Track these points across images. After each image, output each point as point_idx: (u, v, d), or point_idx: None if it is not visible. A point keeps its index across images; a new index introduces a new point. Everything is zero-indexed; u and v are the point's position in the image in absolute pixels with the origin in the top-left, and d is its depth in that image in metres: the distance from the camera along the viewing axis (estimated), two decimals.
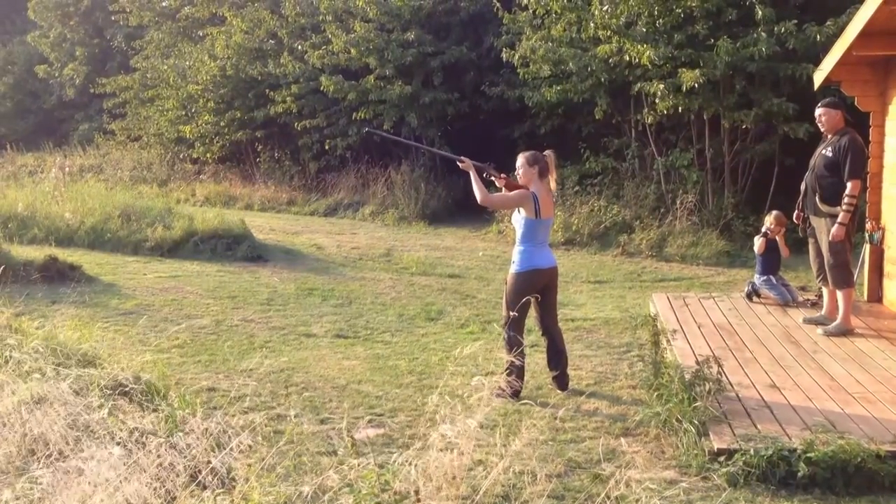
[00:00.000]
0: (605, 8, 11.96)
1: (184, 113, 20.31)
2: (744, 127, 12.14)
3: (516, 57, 13.67)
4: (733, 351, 6.19)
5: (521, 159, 5.69)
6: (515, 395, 5.48)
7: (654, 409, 5.00)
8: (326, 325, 7.74)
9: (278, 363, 6.27)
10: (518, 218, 5.68)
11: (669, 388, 5.10)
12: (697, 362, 5.20)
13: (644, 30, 11.89)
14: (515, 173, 5.73)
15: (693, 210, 12.26)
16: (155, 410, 4.05)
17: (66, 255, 9.89)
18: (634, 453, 4.61)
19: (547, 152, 5.79)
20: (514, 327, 5.57)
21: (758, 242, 8.13)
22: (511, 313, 5.51)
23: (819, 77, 7.71)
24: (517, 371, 5.51)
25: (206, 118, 19.66)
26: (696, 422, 4.63)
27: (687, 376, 5.07)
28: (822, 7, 11.53)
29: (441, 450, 3.47)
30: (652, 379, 5.59)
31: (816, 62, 8.54)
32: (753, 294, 8.01)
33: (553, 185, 5.80)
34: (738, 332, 6.78)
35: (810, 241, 7.06)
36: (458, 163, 5.88)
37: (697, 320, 7.14)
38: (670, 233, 12.05)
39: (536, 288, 5.62)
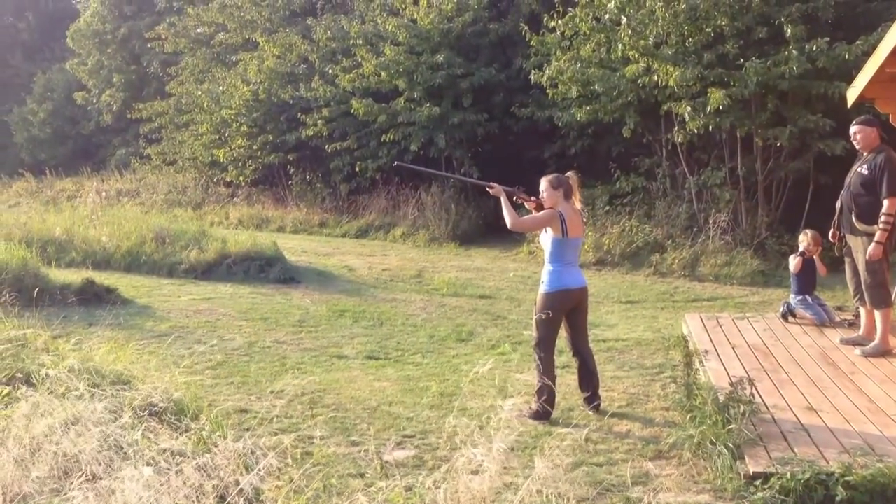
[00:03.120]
0: (632, 29, 11.96)
1: (217, 137, 20.62)
2: (777, 145, 12.03)
3: (545, 78, 13.70)
4: (768, 372, 6.09)
5: (544, 182, 5.70)
6: (545, 416, 5.45)
7: (687, 432, 4.93)
8: (358, 346, 7.75)
9: (310, 384, 6.29)
10: (546, 238, 5.68)
11: (703, 409, 5.03)
12: (731, 384, 5.13)
13: (673, 50, 11.86)
14: (540, 197, 5.74)
15: (726, 229, 12.15)
16: (187, 431, 4.08)
17: (103, 279, 10.02)
18: (667, 476, 4.54)
19: (569, 173, 5.81)
20: (544, 348, 5.55)
21: (793, 262, 8.03)
22: (540, 334, 5.50)
23: (852, 95, 7.62)
24: (548, 394, 5.48)
25: (239, 142, 19.95)
26: (730, 444, 4.55)
27: (721, 398, 5.00)
28: (854, 24, 11.45)
29: (468, 472, 3.44)
30: (685, 401, 5.52)
31: (849, 80, 8.45)
32: (789, 314, 7.90)
33: (578, 204, 5.80)
34: (773, 352, 6.67)
35: (847, 260, 6.95)
36: (487, 189, 5.90)
37: (731, 341, 7.05)
38: (703, 252, 11.94)
39: (566, 308, 5.60)
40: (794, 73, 10.85)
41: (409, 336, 8.23)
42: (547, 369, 5.48)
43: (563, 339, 5.81)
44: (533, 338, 5.69)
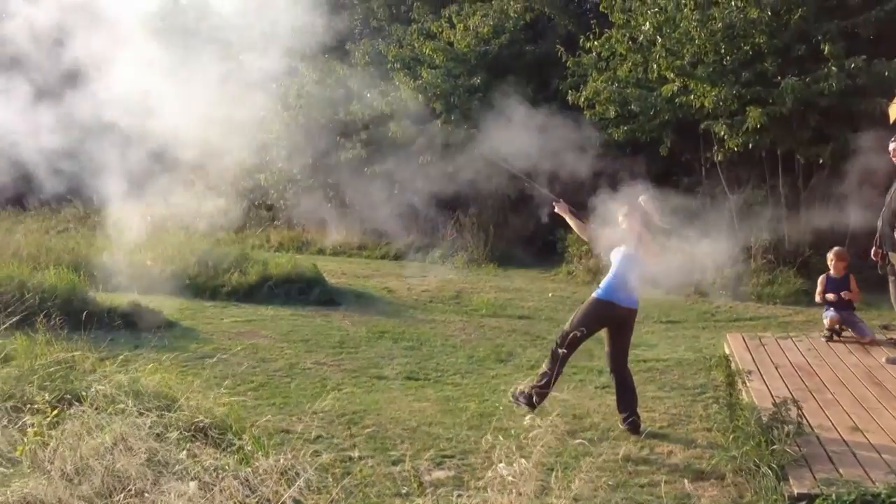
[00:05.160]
0: (667, 49, 11.95)
1: (258, 161, 20.91)
2: (819, 162, 11.88)
3: (582, 99, 13.71)
4: (813, 392, 6.00)
5: (620, 214, 5.78)
6: (531, 405, 5.51)
7: (730, 452, 4.88)
8: (397, 367, 7.79)
9: (350, 405, 6.35)
10: (616, 252, 5.73)
11: (746, 430, 4.98)
12: (775, 404, 5.08)
13: (710, 69, 11.81)
14: (619, 219, 5.82)
15: (768, 248, 12.00)
16: (229, 449, 4.15)
17: (148, 301, 10.20)
18: (709, 498, 4.49)
19: (641, 197, 5.85)
20: (566, 345, 5.60)
21: (819, 286, 7.99)
22: (570, 330, 5.58)
23: (894, 111, 7.53)
24: (545, 381, 5.54)
25: (279, 166, 20.22)
26: (774, 465, 4.50)
27: (764, 418, 4.95)
28: (895, 40, 11.30)
29: (506, 492, 3.45)
30: (727, 421, 5.47)
31: (891, 96, 8.36)
32: (834, 333, 7.78)
33: (658, 223, 5.84)
34: (817, 372, 6.58)
35: (890, 278, 6.84)
36: (553, 202, 5.99)
37: (774, 361, 6.96)
38: (745, 271, 11.80)
39: (608, 321, 5.62)
40: (834, 89, 10.74)
41: (448, 357, 8.25)
42: (558, 363, 5.56)
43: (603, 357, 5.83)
44: (562, 329, 5.73)
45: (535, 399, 5.68)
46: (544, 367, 5.59)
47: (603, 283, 5.72)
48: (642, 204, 5.76)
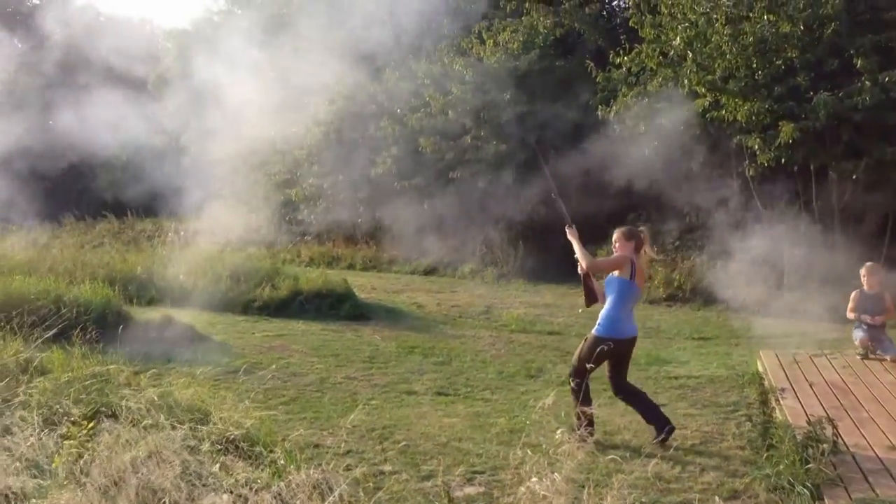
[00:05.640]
0: (698, 64, 11.90)
1: (290, 177, 21.12)
2: (854, 177, 11.74)
3: (612, 114, 13.69)
4: (848, 410, 5.91)
5: (617, 234, 5.87)
6: (582, 440, 5.48)
7: (763, 471, 4.83)
8: (427, 382, 7.80)
9: (380, 420, 6.37)
10: (612, 279, 5.73)
11: (780, 448, 4.92)
12: (809, 422, 5.01)
13: (741, 84, 11.74)
14: (612, 247, 5.88)
15: (802, 263, 11.85)
16: (262, 463, 4.18)
17: (181, 316, 10.31)
18: None
19: (642, 227, 5.98)
20: (579, 377, 5.68)
21: (852, 302, 7.89)
22: (579, 366, 5.67)
23: None
24: (587, 419, 5.53)
25: (310, 181, 20.39)
26: (809, 485, 4.44)
27: (799, 436, 4.89)
28: None
29: None
30: (761, 440, 5.40)
31: None
32: (869, 351, 7.66)
33: (650, 255, 5.94)
34: (853, 390, 6.48)
35: None
36: (566, 226, 6.00)
37: (809, 378, 6.87)
38: (778, 287, 11.67)
39: (612, 355, 5.65)
40: (867, 103, 10.63)
41: (478, 372, 8.25)
42: (581, 396, 5.55)
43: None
44: (572, 365, 5.83)
45: (588, 430, 5.61)
46: (576, 408, 5.60)
47: (602, 319, 5.74)
48: (641, 234, 5.80)
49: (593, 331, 5.74)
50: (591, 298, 5.91)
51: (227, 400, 5.80)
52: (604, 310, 5.75)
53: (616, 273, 5.73)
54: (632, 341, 5.81)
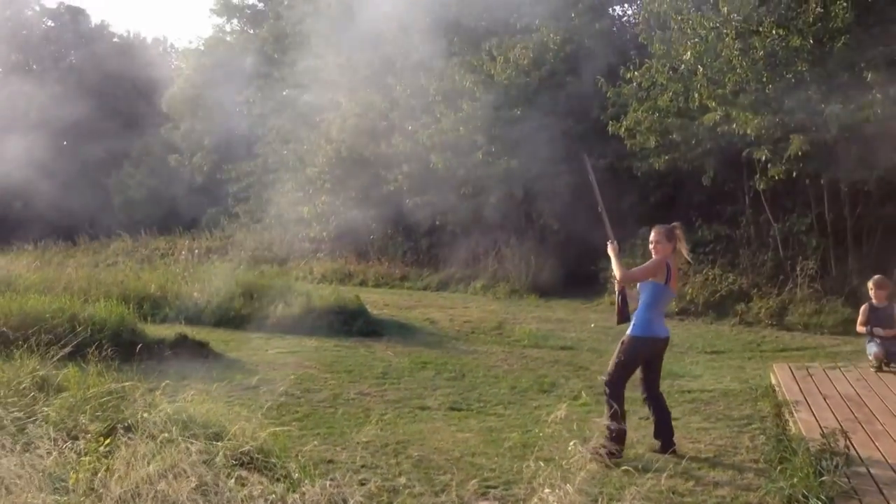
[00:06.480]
0: (709, 78, 11.93)
1: (302, 194, 21.25)
2: (865, 189, 11.72)
3: (622, 129, 13.74)
4: (862, 423, 5.89)
5: (657, 234, 5.82)
6: (617, 455, 5.44)
7: (777, 484, 4.81)
8: (440, 397, 7.81)
9: (394, 435, 6.38)
10: (645, 284, 5.73)
11: (794, 461, 4.91)
12: (823, 435, 5.00)
13: (752, 97, 11.76)
14: (650, 247, 5.84)
15: (815, 277, 11.84)
16: (276, 478, 4.20)
17: (195, 333, 10.35)
18: None
19: (675, 224, 5.94)
20: (616, 387, 5.63)
21: (862, 316, 7.85)
22: (616, 374, 5.62)
23: None
24: (618, 434, 5.50)
25: (322, 198, 20.51)
26: (823, 497, 4.43)
27: (813, 449, 4.88)
28: None
29: None
30: (775, 453, 5.38)
31: None
32: (883, 363, 7.63)
33: (685, 252, 5.93)
34: (867, 403, 6.46)
35: None
36: (608, 242, 6.00)
37: (822, 391, 6.85)
38: (791, 301, 11.65)
39: (647, 355, 5.64)
40: (879, 116, 10.63)
41: (490, 387, 8.25)
42: (617, 408, 5.52)
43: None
44: (607, 374, 5.75)
45: (616, 449, 5.59)
46: (607, 421, 5.57)
47: (637, 319, 5.71)
48: (676, 232, 5.80)
49: (628, 332, 5.73)
50: (623, 316, 5.89)
51: (242, 415, 5.83)
52: (637, 311, 5.75)
53: (652, 278, 5.73)
54: (665, 341, 5.78)
